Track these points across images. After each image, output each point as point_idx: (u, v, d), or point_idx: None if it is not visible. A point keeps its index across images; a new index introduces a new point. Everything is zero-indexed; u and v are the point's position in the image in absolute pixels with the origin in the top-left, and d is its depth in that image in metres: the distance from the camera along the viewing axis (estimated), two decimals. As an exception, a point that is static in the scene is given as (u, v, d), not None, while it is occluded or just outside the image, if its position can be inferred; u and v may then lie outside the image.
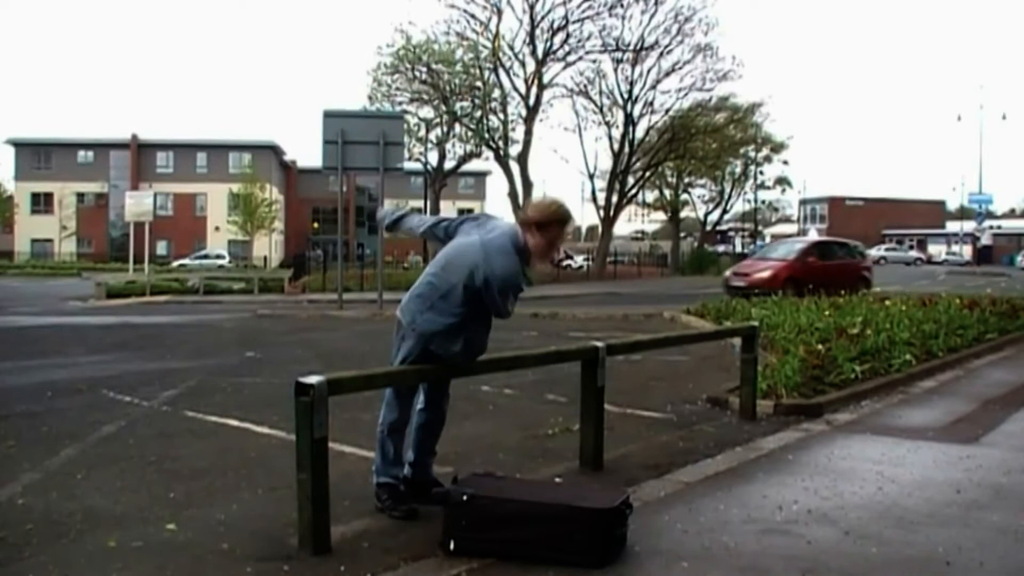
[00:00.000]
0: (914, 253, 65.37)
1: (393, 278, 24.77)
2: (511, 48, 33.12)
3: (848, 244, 24.18)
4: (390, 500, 4.24)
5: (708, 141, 38.88)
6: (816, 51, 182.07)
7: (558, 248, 4.23)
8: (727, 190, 51.68)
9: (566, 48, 33.38)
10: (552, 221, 4.10)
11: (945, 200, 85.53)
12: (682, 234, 54.80)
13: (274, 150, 64.87)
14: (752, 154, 48.27)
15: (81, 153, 62.60)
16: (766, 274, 20.37)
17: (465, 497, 3.59)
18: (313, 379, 3.59)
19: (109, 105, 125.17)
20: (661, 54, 34.17)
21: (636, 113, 35.50)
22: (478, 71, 32.33)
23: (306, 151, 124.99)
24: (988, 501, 4.46)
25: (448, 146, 36.16)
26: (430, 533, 3.78)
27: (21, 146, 62.01)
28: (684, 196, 50.59)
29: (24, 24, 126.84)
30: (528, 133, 33.29)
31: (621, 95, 35.10)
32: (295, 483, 3.65)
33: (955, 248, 66.69)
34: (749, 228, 64.05)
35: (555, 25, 32.74)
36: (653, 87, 35.09)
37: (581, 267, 41.39)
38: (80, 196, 60.72)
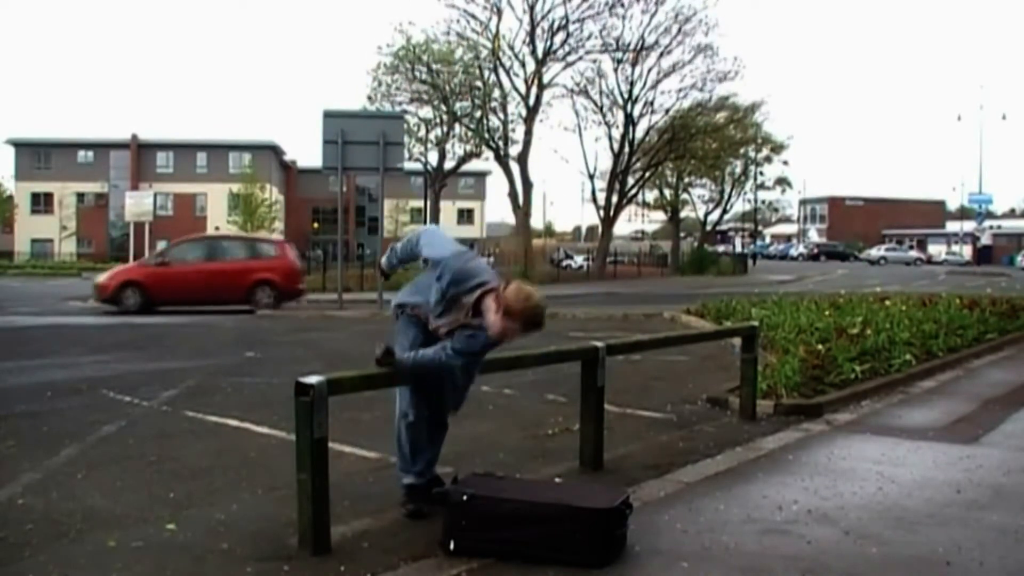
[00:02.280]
0: (914, 253, 65.33)
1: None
2: (511, 48, 33.06)
3: (248, 240, 20.88)
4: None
5: (708, 141, 38.81)
6: (816, 51, 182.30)
7: (510, 337, 3.97)
8: (727, 190, 51.59)
9: (566, 48, 33.31)
10: (525, 321, 3.89)
11: (945, 200, 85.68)
12: (682, 234, 54.73)
13: (274, 150, 64.81)
14: (752, 154, 48.19)
15: (81, 153, 62.53)
16: (101, 279, 17.37)
17: (465, 497, 3.59)
18: (313, 379, 3.59)
19: (109, 105, 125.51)
20: (661, 54, 34.17)
21: (636, 113, 35.47)
22: (478, 71, 32.31)
23: (306, 151, 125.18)
24: (988, 501, 4.46)
25: (448, 146, 36.19)
26: (430, 533, 3.78)
27: (21, 146, 61.92)
28: (684, 196, 50.54)
29: (24, 24, 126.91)
30: (528, 133, 33.23)
31: (621, 95, 35.08)
32: (295, 483, 3.65)
33: (955, 248, 66.72)
34: (749, 228, 64.10)
35: (555, 25, 32.67)
36: (653, 87, 35.08)
37: (581, 267, 41.37)
38: (80, 196, 60.60)
